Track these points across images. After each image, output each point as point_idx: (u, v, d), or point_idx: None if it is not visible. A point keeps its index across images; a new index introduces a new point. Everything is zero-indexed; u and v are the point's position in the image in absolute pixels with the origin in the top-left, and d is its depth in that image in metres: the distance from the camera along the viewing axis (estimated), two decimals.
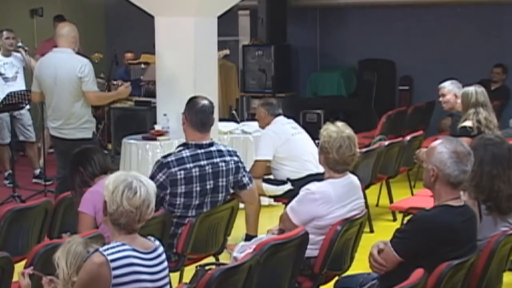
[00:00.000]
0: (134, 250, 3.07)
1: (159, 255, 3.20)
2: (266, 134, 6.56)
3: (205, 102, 5.13)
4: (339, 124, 4.53)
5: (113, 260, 2.99)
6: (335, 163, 4.44)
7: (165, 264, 3.23)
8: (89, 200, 4.41)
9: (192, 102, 5.18)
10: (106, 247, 3.05)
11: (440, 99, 7.25)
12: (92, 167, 4.52)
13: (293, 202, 4.54)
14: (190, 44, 7.32)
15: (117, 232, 3.12)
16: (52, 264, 3.35)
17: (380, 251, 3.79)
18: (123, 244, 3.06)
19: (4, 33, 8.75)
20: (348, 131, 4.49)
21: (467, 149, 3.71)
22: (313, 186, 4.47)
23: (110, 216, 3.11)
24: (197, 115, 5.05)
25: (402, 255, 3.73)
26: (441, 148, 3.71)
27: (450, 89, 7.16)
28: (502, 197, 4.02)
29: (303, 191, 4.49)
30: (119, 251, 3.02)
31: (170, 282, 3.32)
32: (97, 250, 3.04)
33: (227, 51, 11.62)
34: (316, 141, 4.63)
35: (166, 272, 3.22)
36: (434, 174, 3.71)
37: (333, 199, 4.41)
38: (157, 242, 3.25)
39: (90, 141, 6.44)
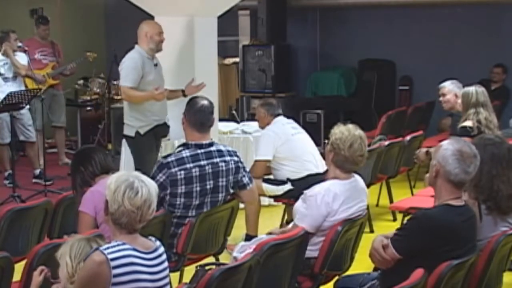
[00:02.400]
0: (134, 249, 3.07)
1: (160, 255, 3.20)
2: (266, 134, 6.56)
3: (204, 102, 5.14)
4: (350, 125, 4.53)
5: (113, 259, 2.99)
6: (344, 160, 4.42)
7: (166, 264, 3.23)
8: (89, 199, 4.41)
9: (191, 102, 5.19)
10: (106, 246, 3.05)
11: (440, 98, 7.25)
12: (93, 167, 4.51)
13: (301, 212, 4.42)
14: (190, 44, 7.32)
15: (118, 232, 3.12)
16: (52, 264, 3.35)
17: (384, 247, 3.80)
18: (123, 244, 3.06)
19: (12, 35, 8.78)
20: (360, 131, 4.50)
21: (473, 151, 3.72)
22: (316, 188, 4.43)
23: (111, 216, 3.11)
24: (195, 115, 5.05)
25: (401, 253, 3.74)
26: (447, 146, 3.75)
27: (450, 89, 7.16)
28: (502, 197, 4.02)
29: (308, 199, 4.41)
30: (119, 250, 3.02)
31: (170, 282, 3.32)
32: (97, 248, 3.05)
33: (236, 59, 11.66)
34: (325, 141, 4.61)
35: (167, 272, 3.22)
36: (436, 170, 3.73)
37: (339, 195, 4.39)
38: (158, 242, 3.25)
39: (131, 139, 6.52)
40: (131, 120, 6.59)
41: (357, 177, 4.59)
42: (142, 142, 6.49)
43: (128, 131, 6.61)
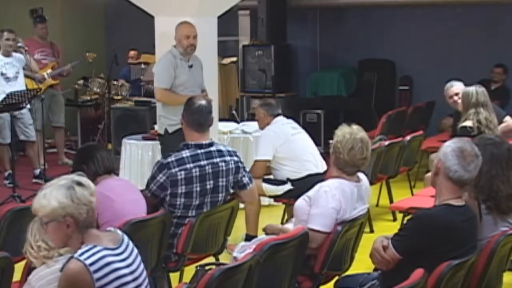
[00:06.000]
0: (106, 249, 3.02)
1: (127, 245, 3.15)
2: (266, 134, 6.56)
3: (202, 102, 5.13)
4: (354, 126, 4.49)
5: (91, 264, 2.93)
6: (345, 164, 4.41)
7: (136, 251, 3.19)
8: None
9: (189, 102, 5.19)
10: (80, 252, 2.97)
11: (455, 98, 7.22)
12: (95, 166, 4.48)
13: (311, 214, 4.35)
14: None
15: (84, 237, 3.06)
16: None
17: (384, 247, 3.80)
18: (95, 246, 3.00)
19: (5, 33, 8.76)
20: (362, 134, 4.47)
21: (474, 151, 3.73)
22: (324, 187, 4.39)
23: (84, 223, 3.04)
24: (193, 116, 5.05)
25: (401, 253, 3.75)
26: (449, 144, 3.77)
27: (462, 89, 7.14)
28: (501, 197, 4.02)
29: (317, 199, 4.36)
30: (94, 254, 2.96)
31: (145, 266, 3.27)
32: (72, 257, 2.97)
33: (234, 59, 11.66)
34: (329, 141, 4.59)
35: (139, 258, 3.19)
36: (437, 167, 3.75)
37: (348, 194, 4.39)
38: (119, 231, 3.20)
39: (161, 137, 6.65)
40: (161, 118, 6.67)
41: (363, 179, 4.58)
42: (170, 140, 6.47)
43: (159, 129, 6.71)
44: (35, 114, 8.81)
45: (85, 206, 3.04)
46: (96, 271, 2.93)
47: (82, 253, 2.95)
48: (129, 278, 3.06)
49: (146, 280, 3.19)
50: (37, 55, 9.69)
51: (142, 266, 3.19)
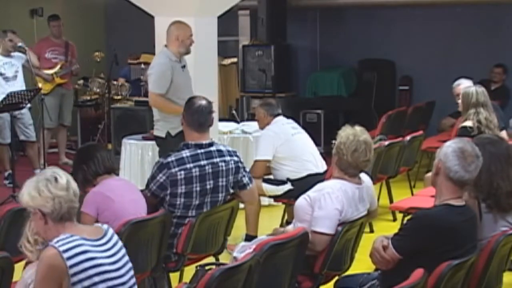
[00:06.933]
0: (83, 239, 3.11)
1: (111, 238, 3.22)
2: (266, 134, 6.56)
3: (203, 102, 5.13)
4: (358, 128, 4.47)
5: (65, 251, 3.02)
6: (347, 165, 4.40)
7: (119, 244, 3.25)
8: (91, 200, 4.42)
9: (189, 102, 5.18)
10: (56, 239, 3.07)
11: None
12: (95, 165, 4.49)
13: (319, 216, 4.33)
14: None
15: (62, 228, 3.14)
16: None
17: (384, 247, 3.80)
18: (71, 236, 3.10)
19: (9, 34, 8.77)
20: (366, 136, 4.46)
21: (475, 152, 3.73)
22: (326, 188, 4.39)
23: (52, 216, 3.12)
24: (193, 116, 5.05)
25: (401, 253, 3.75)
26: (450, 144, 3.78)
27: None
28: (501, 194, 4.02)
29: (319, 200, 4.34)
30: (69, 242, 3.06)
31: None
32: (48, 244, 3.09)
33: (234, 60, 11.66)
34: (332, 141, 4.58)
35: (123, 251, 3.25)
36: (437, 167, 3.75)
37: (350, 196, 4.39)
38: (105, 226, 3.27)
39: (163, 140, 6.43)
40: (161, 121, 6.49)
41: (365, 180, 4.57)
42: (173, 143, 6.21)
43: (159, 132, 6.51)
44: (49, 113, 8.81)
45: (51, 200, 3.12)
46: (70, 258, 3.02)
47: (58, 241, 3.06)
48: (111, 267, 3.13)
49: (130, 273, 3.24)
50: (48, 54, 9.70)
51: (126, 258, 3.24)
